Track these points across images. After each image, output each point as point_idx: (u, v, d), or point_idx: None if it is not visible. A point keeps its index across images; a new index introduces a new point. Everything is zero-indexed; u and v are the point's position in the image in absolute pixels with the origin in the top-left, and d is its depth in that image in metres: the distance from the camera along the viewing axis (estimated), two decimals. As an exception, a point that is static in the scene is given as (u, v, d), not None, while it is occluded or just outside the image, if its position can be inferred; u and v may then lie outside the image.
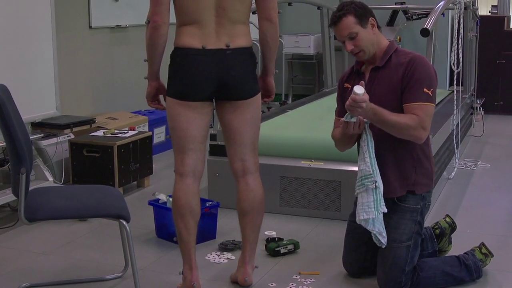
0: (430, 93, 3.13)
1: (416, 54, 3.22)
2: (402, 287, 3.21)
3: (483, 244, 3.52)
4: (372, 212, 3.14)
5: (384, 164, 3.23)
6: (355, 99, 3.00)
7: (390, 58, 3.24)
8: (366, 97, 3.03)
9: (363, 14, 3.21)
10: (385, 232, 3.19)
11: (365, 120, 3.14)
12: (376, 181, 3.14)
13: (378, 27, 3.27)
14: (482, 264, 3.43)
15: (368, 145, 3.17)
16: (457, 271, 3.34)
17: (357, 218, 3.18)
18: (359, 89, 3.01)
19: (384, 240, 3.20)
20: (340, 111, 3.33)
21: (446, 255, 3.58)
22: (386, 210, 3.16)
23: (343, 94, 3.37)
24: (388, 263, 3.24)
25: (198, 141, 3.17)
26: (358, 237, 3.37)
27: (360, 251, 3.39)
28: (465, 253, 3.45)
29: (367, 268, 3.42)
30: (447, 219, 3.66)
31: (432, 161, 3.36)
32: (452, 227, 3.63)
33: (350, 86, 3.32)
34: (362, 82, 3.11)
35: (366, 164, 3.16)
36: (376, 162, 3.16)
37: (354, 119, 3.10)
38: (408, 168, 3.25)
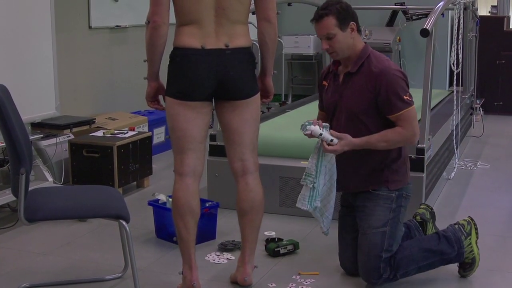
0: (407, 97, 3.23)
1: (383, 67, 3.27)
2: (382, 275, 3.24)
3: (469, 216, 3.56)
4: (305, 205, 3.31)
5: (351, 163, 3.35)
6: (334, 151, 3.23)
7: (363, 64, 3.31)
8: (344, 138, 3.21)
9: (345, 18, 3.26)
10: (326, 222, 3.37)
11: (324, 124, 3.27)
12: (314, 183, 3.28)
13: (358, 31, 3.34)
14: (464, 237, 3.41)
15: (320, 148, 3.28)
16: (435, 244, 3.35)
17: (297, 204, 3.36)
18: (328, 138, 3.21)
19: (325, 229, 3.38)
20: (321, 105, 3.53)
21: None
22: (319, 205, 3.31)
23: (321, 91, 3.53)
24: (365, 250, 3.28)
25: (198, 141, 3.18)
26: (350, 231, 3.43)
27: (353, 245, 3.39)
28: (446, 227, 3.48)
29: None
30: (422, 206, 3.72)
31: (406, 159, 3.42)
32: (430, 211, 3.67)
33: (326, 84, 3.48)
34: (327, 125, 3.25)
35: (312, 164, 3.29)
36: (324, 164, 3.30)
37: (307, 132, 3.24)
38: (377, 167, 3.34)
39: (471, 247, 3.41)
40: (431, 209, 3.69)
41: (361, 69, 3.30)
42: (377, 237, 3.26)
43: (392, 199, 3.32)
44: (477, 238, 3.46)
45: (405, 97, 3.22)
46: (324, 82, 3.50)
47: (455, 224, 3.49)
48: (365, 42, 3.39)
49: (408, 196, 3.40)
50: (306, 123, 3.23)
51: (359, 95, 3.29)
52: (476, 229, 3.47)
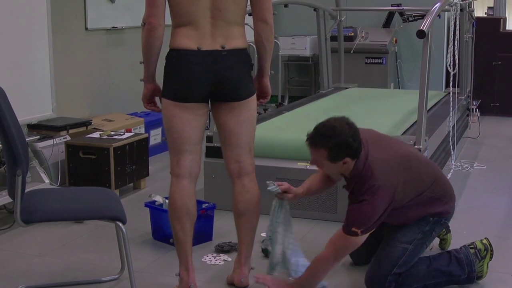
0: (355, 229, 3.02)
1: (356, 201, 3.10)
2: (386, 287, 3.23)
3: (486, 238, 3.51)
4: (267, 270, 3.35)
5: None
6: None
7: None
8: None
9: (339, 155, 3.06)
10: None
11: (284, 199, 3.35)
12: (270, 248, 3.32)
13: (355, 158, 3.10)
14: (478, 261, 3.38)
15: (275, 215, 3.33)
16: (445, 265, 3.32)
17: None
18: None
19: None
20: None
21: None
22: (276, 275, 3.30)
23: None
24: (380, 259, 3.27)
25: (194, 143, 3.18)
26: (373, 234, 3.39)
27: (369, 244, 3.35)
28: (460, 247, 3.44)
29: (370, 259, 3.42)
30: None
31: (451, 197, 3.39)
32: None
33: None
34: None
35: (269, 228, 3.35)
36: (279, 231, 3.32)
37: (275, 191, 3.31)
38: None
39: (482, 267, 3.40)
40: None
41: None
42: (398, 251, 3.24)
43: (428, 222, 3.31)
44: (491, 259, 3.45)
45: (353, 228, 3.03)
46: None
47: (471, 246, 3.42)
48: (360, 152, 3.10)
49: (445, 223, 3.39)
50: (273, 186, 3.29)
51: None
52: (491, 252, 3.45)
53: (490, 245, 3.46)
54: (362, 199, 3.07)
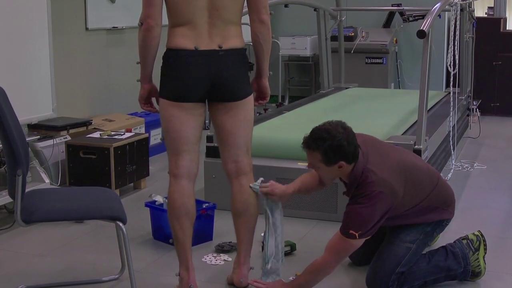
0: (353, 231, 3.04)
1: (353, 202, 3.13)
2: (389, 287, 3.23)
3: (478, 230, 3.53)
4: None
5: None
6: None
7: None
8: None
9: (333, 158, 3.07)
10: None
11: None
12: (267, 264, 3.33)
13: (351, 163, 3.11)
14: (472, 253, 3.40)
15: (269, 221, 3.34)
16: (443, 260, 3.34)
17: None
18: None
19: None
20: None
21: (432, 247, 3.61)
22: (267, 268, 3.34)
23: None
24: (384, 258, 3.27)
25: (192, 142, 3.17)
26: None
27: (370, 245, 3.35)
28: (454, 241, 3.46)
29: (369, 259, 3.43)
30: None
31: (450, 202, 3.42)
32: None
33: None
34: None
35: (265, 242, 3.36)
36: (274, 241, 3.33)
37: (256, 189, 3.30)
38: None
39: (478, 261, 3.41)
40: None
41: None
42: (401, 250, 3.26)
43: (430, 224, 3.34)
44: (485, 252, 3.45)
45: (350, 231, 3.04)
46: None
47: (463, 238, 3.46)
48: (356, 156, 3.11)
49: (446, 225, 3.42)
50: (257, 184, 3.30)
51: None
52: (485, 244, 3.46)
53: (482, 235, 3.48)
54: (361, 201, 3.07)
